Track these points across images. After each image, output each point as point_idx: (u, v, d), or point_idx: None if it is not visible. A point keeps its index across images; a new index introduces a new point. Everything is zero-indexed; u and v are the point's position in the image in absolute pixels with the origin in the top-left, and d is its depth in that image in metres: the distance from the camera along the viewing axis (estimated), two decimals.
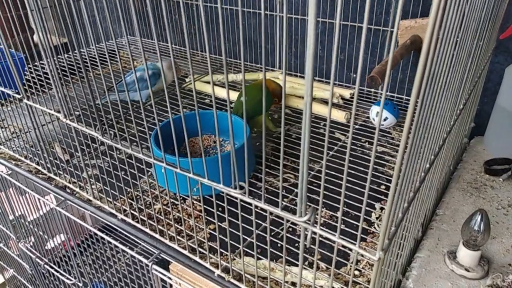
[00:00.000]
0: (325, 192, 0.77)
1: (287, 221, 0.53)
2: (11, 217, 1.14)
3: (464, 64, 0.56)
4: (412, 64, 1.09)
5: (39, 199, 0.92)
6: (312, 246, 0.50)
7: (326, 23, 1.14)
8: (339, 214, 0.43)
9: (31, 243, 1.16)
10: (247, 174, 0.49)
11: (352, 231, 0.71)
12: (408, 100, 1.11)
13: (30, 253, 1.06)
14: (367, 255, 0.44)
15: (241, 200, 0.52)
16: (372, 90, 1.16)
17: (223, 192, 0.53)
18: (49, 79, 0.70)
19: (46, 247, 1.21)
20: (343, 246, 0.48)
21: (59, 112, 0.69)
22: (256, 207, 0.51)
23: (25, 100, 0.74)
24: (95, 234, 0.82)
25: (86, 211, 0.79)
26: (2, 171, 1.02)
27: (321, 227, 0.46)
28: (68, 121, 0.66)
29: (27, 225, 1.12)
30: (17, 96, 0.75)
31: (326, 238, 0.52)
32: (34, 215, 1.11)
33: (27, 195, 1.06)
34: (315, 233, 0.46)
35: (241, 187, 0.51)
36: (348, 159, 0.40)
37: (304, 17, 1.17)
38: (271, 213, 0.50)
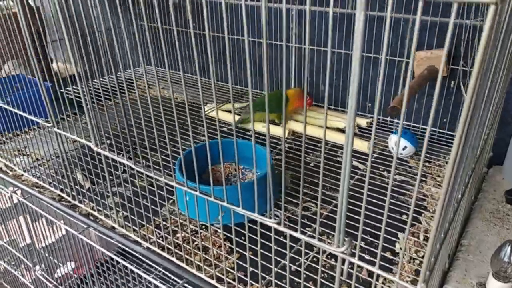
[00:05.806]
0: (348, 221, 0.77)
1: (323, 251, 0.53)
2: (24, 243, 1.14)
3: (492, 97, 0.57)
4: (428, 94, 1.10)
5: (59, 226, 0.92)
6: (347, 279, 0.50)
7: (341, 54, 1.16)
8: (379, 248, 0.44)
9: (43, 270, 1.15)
10: (283, 202, 0.50)
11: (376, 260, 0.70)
12: (424, 129, 1.12)
13: (47, 281, 1.05)
14: (409, 287, 0.44)
15: (275, 230, 0.52)
16: (388, 119, 1.17)
17: (253, 221, 0.53)
18: (75, 106, 0.72)
19: (57, 274, 1.20)
20: (371, 275, 0.49)
21: (89, 140, 0.70)
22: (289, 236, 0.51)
23: (55, 129, 0.75)
24: (114, 260, 0.82)
25: (109, 238, 0.79)
26: (20, 196, 1.02)
27: (358, 259, 0.46)
28: (99, 150, 0.67)
29: (42, 252, 1.12)
30: (46, 124, 0.76)
31: (352, 268, 0.51)
32: (48, 241, 1.10)
33: (42, 219, 1.06)
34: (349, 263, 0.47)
35: (276, 216, 0.52)
36: (390, 188, 0.40)
37: (318, 48, 1.20)
38: (298, 242, 0.50)
